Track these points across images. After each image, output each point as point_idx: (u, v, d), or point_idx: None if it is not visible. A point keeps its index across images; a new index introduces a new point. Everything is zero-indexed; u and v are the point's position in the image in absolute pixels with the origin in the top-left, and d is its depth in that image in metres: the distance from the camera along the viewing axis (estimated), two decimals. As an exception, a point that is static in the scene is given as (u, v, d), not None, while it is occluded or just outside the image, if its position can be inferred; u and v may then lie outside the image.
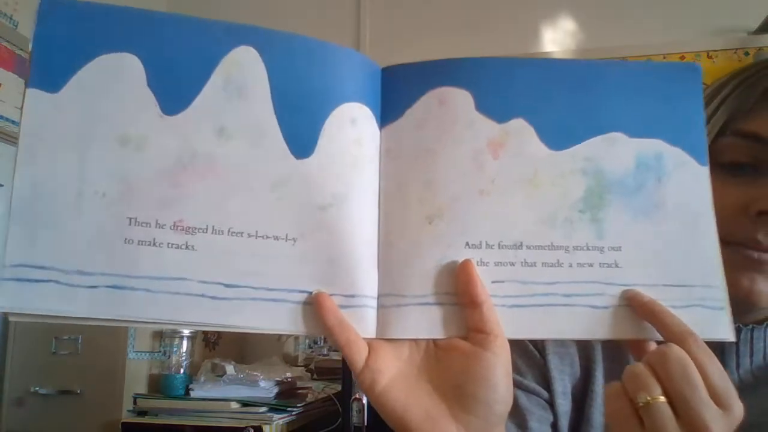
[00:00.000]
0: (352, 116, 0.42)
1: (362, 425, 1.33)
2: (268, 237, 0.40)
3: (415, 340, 0.40)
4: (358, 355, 0.39)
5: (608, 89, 0.43)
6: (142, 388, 1.55)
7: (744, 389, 0.49)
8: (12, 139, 1.72)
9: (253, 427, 1.36)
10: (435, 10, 2.29)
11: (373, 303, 0.41)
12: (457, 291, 0.39)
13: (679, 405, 0.36)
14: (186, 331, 1.64)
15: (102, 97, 0.39)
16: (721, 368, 0.37)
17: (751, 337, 0.52)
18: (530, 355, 0.59)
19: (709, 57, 2.06)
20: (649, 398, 0.36)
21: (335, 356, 1.77)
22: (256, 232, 0.40)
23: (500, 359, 0.38)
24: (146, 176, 0.39)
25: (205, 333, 1.87)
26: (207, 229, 0.39)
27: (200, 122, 0.40)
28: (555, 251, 0.41)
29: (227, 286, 0.39)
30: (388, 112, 0.43)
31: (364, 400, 1.34)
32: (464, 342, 0.39)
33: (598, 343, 0.58)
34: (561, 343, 0.58)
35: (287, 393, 1.54)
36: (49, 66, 0.39)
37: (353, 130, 0.42)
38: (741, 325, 0.52)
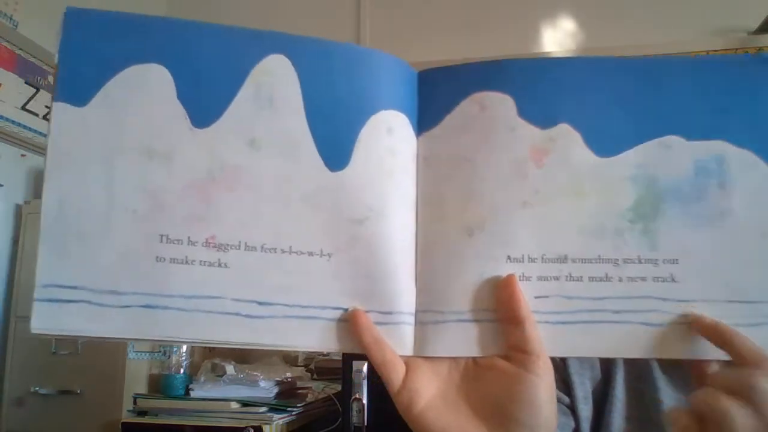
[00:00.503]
0: (388, 125, 0.40)
1: (362, 425, 1.33)
2: (302, 253, 0.39)
3: (454, 359, 0.39)
4: (395, 375, 0.38)
5: (663, 88, 0.40)
6: (142, 388, 1.55)
7: None
8: (12, 139, 1.72)
9: (253, 427, 1.35)
10: (435, 10, 2.29)
11: (411, 320, 0.39)
12: (498, 307, 0.38)
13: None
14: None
15: (130, 110, 0.38)
16: None
17: None
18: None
19: (709, 57, 2.06)
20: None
21: (335, 356, 1.77)
22: (290, 247, 0.39)
23: (543, 381, 0.36)
24: (177, 191, 0.38)
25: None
26: (239, 245, 0.38)
27: (231, 134, 0.39)
28: (603, 264, 0.38)
29: (261, 303, 0.38)
30: (425, 118, 0.41)
31: (364, 400, 1.34)
32: (505, 361, 0.37)
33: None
34: None
35: (287, 393, 1.53)
36: (76, 79, 0.38)
37: (389, 139, 0.40)
38: None
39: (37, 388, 1.54)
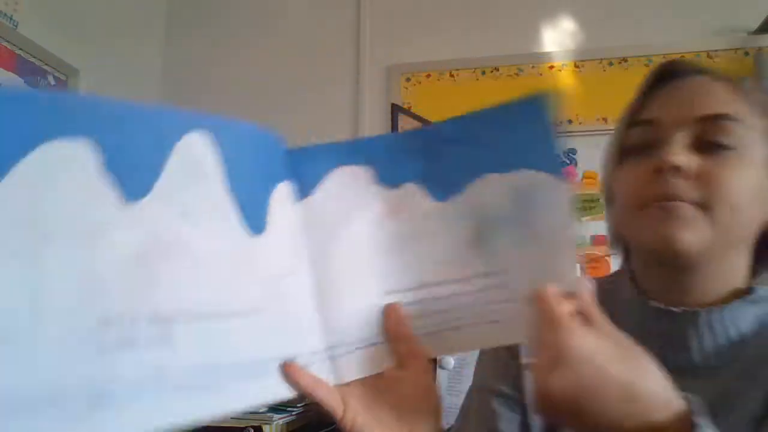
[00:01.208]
0: (287, 193, 0.49)
1: (362, 425, 1.33)
2: (238, 314, 0.42)
3: (364, 380, 0.50)
4: (337, 404, 0.48)
5: (472, 139, 0.50)
6: (142, 388, 1.55)
7: (704, 372, 0.55)
8: (12, 139, 1.72)
9: (253, 427, 1.35)
10: (435, 10, 2.29)
11: (331, 354, 0.49)
12: (386, 331, 0.50)
13: None
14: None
15: (50, 188, 0.34)
16: None
17: (709, 320, 0.54)
18: (501, 360, 0.64)
19: (709, 57, 2.06)
20: None
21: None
22: (230, 310, 0.42)
23: (427, 378, 0.51)
24: (111, 270, 0.35)
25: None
26: (180, 316, 0.38)
27: (164, 207, 0.39)
28: (455, 284, 0.49)
29: (210, 370, 0.39)
30: (303, 188, 0.51)
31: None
32: (399, 370, 0.50)
33: None
34: None
35: (287, 393, 1.53)
36: None
37: (291, 205, 0.49)
38: (699, 309, 0.55)
39: (37, 388, 1.54)
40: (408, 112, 1.88)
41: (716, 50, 2.05)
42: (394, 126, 1.75)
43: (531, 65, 2.17)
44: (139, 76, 2.36)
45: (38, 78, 1.82)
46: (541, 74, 2.16)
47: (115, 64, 2.19)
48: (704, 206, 0.52)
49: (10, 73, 1.72)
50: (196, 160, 0.42)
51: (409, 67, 2.24)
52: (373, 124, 2.22)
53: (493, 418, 0.61)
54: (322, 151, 0.52)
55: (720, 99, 0.55)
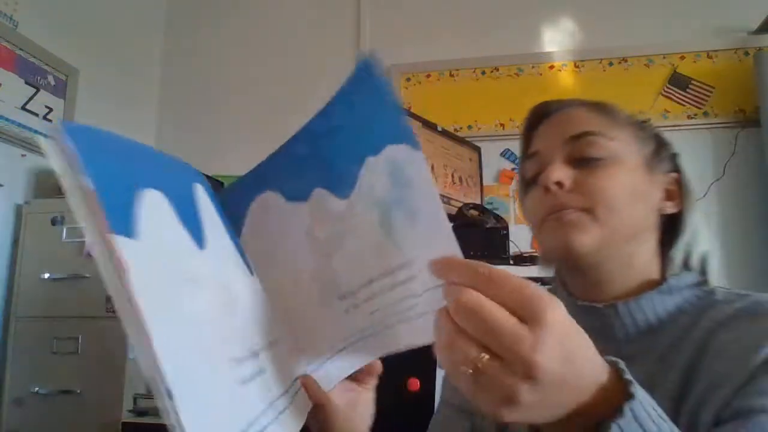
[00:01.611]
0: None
1: (362, 425, 1.33)
2: (267, 346, 0.46)
3: (335, 389, 0.53)
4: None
5: (341, 128, 0.47)
6: (142, 388, 1.55)
7: (629, 359, 0.56)
8: (12, 139, 1.72)
9: (253, 427, 1.36)
10: (435, 10, 2.29)
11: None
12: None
13: (496, 348, 0.34)
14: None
15: (156, 237, 0.34)
16: (515, 281, 0.35)
17: (628, 311, 0.61)
18: None
19: (709, 57, 2.06)
20: (472, 366, 0.34)
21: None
22: (268, 343, 0.46)
23: (370, 387, 0.58)
24: (217, 313, 0.39)
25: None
26: (261, 349, 0.44)
27: (223, 256, 0.44)
28: (385, 278, 0.45)
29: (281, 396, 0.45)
30: (236, 227, 0.51)
31: (364, 400, 1.34)
32: (350, 381, 0.55)
33: None
34: None
35: (287, 393, 1.54)
36: (119, 206, 0.32)
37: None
38: (617, 302, 0.61)
39: (37, 388, 1.54)
40: (408, 112, 1.88)
41: (716, 50, 2.05)
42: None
43: (531, 65, 2.17)
44: (139, 76, 2.36)
45: (38, 78, 1.82)
46: (541, 74, 2.16)
47: (115, 64, 2.19)
48: (588, 210, 0.60)
49: (10, 73, 1.72)
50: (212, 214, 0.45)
51: (409, 67, 2.24)
52: (373, 124, 2.22)
53: (447, 428, 0.68)
54: (238, 187, 0.51)
55: (583, 120, 0.65)
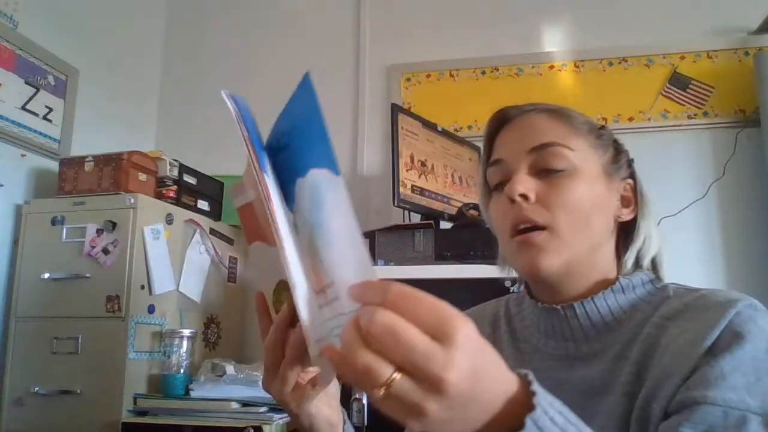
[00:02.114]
0: None
1: (362, 425, 1.33)
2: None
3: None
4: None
5: (283, 144, 0.47)
6: (142, 388, 1.55)
7: (589, 357, 0.63)
8: (12, 139, 1.71)
9: (253, 427, 1.36)
10: (435, 9, 2.29)
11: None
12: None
13: (408, 367, 0.34)
14: (186, 332, 1.64)
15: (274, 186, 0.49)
16: (429, 302, 0.36)
17: (584, 310, 0.64)
18: None
19: (709, 57, 2.06)
20: (384, 387, 0.35)
21: (335, 356, 1.77)
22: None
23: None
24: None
25: (205, 333, 1.87)
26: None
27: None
28: (319, 295, 0.44)
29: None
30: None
31: (364, 400, 1.34)
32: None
33: (533, 360, 0.69)
34: None
35: (287, 393, 1.53)
36: (261, 152, 0.47)
37: None
38: (573, 302, 0.64)
39: (37, 388, 1.54)
40: (408, 112, 1.88)
41: (716, 50, 2.05)
42: (394, 126, 1.75)
43: (531, 65, 2.17)
44: (139, 76, 2.36)
45: (38, 78, 1.82)
46: (541, 74, 2.16)
47: (115, 64, 2.19)
48: (551, 229, 0.62)
49: (10, 73, 1.72)
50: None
51: (409, 67, 2.24)
52: (373, 124, 2.22)
53: None
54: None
55: (545, 130, 0.66)
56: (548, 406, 0.38)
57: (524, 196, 0.63)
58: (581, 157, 0.65)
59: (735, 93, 2.00)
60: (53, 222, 1.64)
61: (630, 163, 0.70)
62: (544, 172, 0.64)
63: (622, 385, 0.58)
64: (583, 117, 0.69)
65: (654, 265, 0.68)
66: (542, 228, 0.62)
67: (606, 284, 0.65)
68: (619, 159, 0.69)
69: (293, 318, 0.52)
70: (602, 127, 0.70)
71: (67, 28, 1.95)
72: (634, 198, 0.68)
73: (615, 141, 0.70)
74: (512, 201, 0.63)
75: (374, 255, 1.64)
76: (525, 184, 0.63)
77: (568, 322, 0.65)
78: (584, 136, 0.67)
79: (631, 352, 0.60)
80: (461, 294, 0.72)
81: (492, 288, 0.96)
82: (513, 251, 0.65)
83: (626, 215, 0.68)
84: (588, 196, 0.64)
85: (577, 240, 0.63)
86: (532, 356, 0.69)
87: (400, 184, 1.73)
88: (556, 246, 0.62)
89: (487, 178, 0.70)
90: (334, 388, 0.65)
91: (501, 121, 0.71)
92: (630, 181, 0.69)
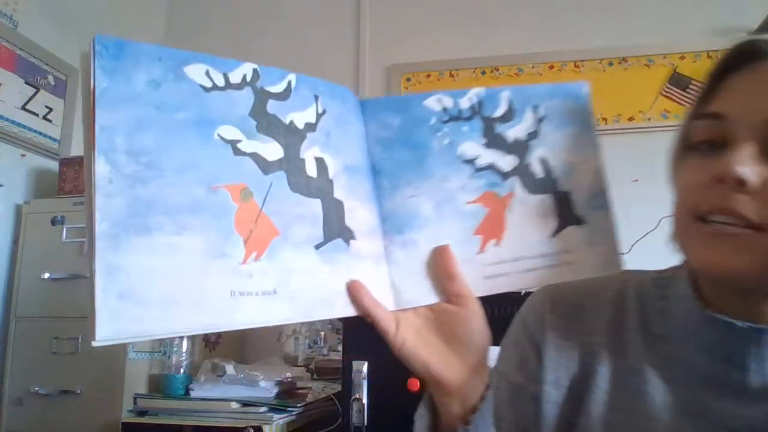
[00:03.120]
0: None
1: (362, 425, 1.33)
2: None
3: (417, 309, 0.54)
4: (389, 325, 0.52)
5: None
6: (142, 388, 1.55)
7: (761, 396, 0.48)
8: (12, 139, 1.72)
9: (253, 427, 1.35)
10: (435, 9, 2.29)
11: (392, 282, 0.55)
12: (439, 269, 0.54)
13: None
14: (186, 331, 1.63)
15: None
16: None
17: None
18: (523, 347, 0.61)
19: (709, 57, 2.06)
20: None
21: (335, 356, 1.77)
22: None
23: (474, 314, 0.53)
24: None
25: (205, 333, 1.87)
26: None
27: None
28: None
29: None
30: None
31: (364, 400, 1.34)
32: (449, 305, 0.53)
33: (603, 339, 0.57)
34: (564, 336, 0.59)
35: (287, 393, 1.53)
36: None
37: None
38: (767, 327, 0.47)
39: (37, 388, 1.54)
40: (408, 112, 1.89)
41: (716, 50, 2.05)
42: (394, 126, 1.76)
43: (531, 65, 2.17)
44: (139, 76, 2.36)
45: (38, 78, 1.82)
46: (541, 74, 2.16)
47: (115, 64, 2.19)
48: (762, 228, 0.44)
49: (10, 73, 1.72)
50: None
51: (409, 67, 2.24)
52: (373, 124, 2.22)
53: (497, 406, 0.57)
54: None
55: None
56: None
57: (743, 183, 0.44)
58: None
59: (735, 93, 2.00)
60: (53, 222, 1.64)
61: None
62: None
63: None
64: None
65: None
66: (754, 227, 0.45)
67: None
68: None
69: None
70: None
71: (67, 28, 1.95)
72: None
73: None
74: (720, 180, 0.46)
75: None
76: (748, 166, 0.45)
77: (747, 348, 0.48)
78: None
79: None
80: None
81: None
82: (693, 240, 0.48)
83: None
84: None
85: None
86: (671, 362, 0.54)
87: (400, 184, 1.73)
88: (761, 249, 0.45)
89: (690, 132, 0.52)
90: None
91: (744, 56, 0.48)
92: None
